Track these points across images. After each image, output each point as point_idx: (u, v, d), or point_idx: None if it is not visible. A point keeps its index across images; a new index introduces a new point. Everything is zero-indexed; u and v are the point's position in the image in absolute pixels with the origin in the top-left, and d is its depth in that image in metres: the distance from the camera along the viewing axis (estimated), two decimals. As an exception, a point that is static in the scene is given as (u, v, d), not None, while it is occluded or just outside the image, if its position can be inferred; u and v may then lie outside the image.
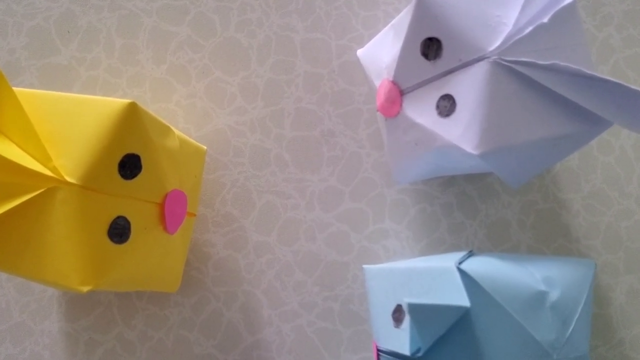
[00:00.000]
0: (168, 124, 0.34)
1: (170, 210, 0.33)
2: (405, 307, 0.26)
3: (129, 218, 0.31)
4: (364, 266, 0.37)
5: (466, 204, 0.42)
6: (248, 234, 0.41)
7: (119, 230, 0.30)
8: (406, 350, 0.30)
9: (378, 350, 0.33)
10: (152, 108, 0.42)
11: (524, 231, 0.42)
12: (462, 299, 0.27)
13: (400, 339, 0.31)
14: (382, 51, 0.36)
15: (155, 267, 0.33)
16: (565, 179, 0.42)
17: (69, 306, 0.40)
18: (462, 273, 0.29)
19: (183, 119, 0.42)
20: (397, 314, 0.32)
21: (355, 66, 0.42)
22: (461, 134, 0.31)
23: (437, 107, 0.32)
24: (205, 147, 0.39)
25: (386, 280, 0.34)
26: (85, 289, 0.29)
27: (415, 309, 0.25)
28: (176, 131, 0.35)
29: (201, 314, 0.40)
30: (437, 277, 0.30)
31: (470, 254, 0.33)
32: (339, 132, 0.42)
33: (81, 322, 0.40)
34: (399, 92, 0.34)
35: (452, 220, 0.41)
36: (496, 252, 0.35)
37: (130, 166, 0.30)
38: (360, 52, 0.39)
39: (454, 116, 0.32)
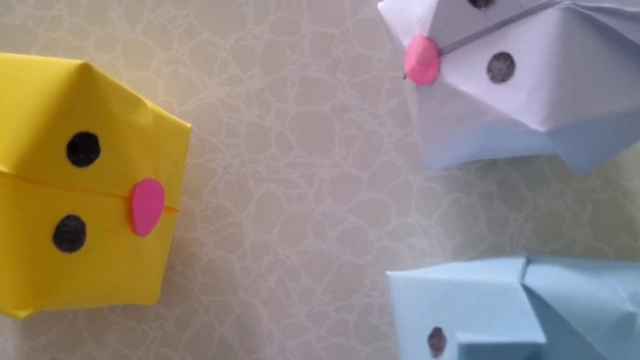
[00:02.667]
0: (138, 95, 0.27)
1: (141, 206, 0.25)
2: (458, 348, 0.18)
3: (82, 218, 0.23)
4: (388, 273, 0.30)
5: (510, 193, 0.34)
6: (244, 231, 0.34)
7: (69, 235, 0.23)
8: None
9: (409, 383, 0.26)
10: (125, 77, 0.34)
11: (580, 226, 0.34)
12: (533, 332, 0.20)
13: (441, 374, 0.24)
14: (412, 1, 0.28)
15: (124, 279, 0.26)
16: (629, 163, 0.35)
17: (27, 321, 0.33)
18: (529, 293, 0.21)
19: (163, 90, 0.34)
20: (436, 340, 0.25)
21: (374, 25, 0.35)
22: (522, 105, 0.24)
23: (489, 69, 0.25)
24: (189, 125, 0.31)
25: (419, 294, 0.26)
26: (22, 314, 0.22)
27: (473, 351, 0.18)
28: (150, 104, 0.28)
29: (187, 328, 0.33)
30: (491, 295, 0.22)
31: (528, 260, 0.25)
32: (354, 106, 0.34)
33: (41, 339, 0.33)
34: (437, 51, 0.26)
35: (493, 213, 0.34)
36: (560, 258, 0.28)
37: (83, 149, 0.23)
38: (382, 5, 0.31)
39: (511, 82, 0.24)
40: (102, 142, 0.23)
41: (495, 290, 0.22)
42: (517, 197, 0.34)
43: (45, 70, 0.22)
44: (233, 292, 0.34)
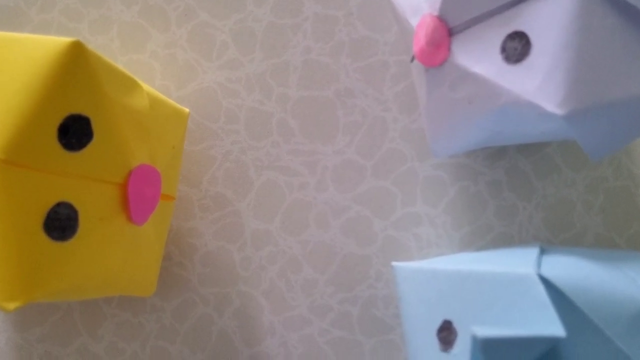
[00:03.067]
0: (134, 77, 0.25)
1: (137, 193, 0.24)
2: (474, 342, 0.17)
3: (75, 205, 0.22)
4: (394, 264, 0.29)
5: (519, 181, 0.33)
6: (244, 221, 0.33)
7: (61, 223, 0.21)
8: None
9: (417, 378, 0.25)
10: (120, 60, 0.33)
11: (591, 215, 0.33)
12: (552, 325, 0.19)
13: (451, 369, 0.23)
14: (420, -21, 0.27)
15: (119, 269, 0.25)
16: (642, 150, 0.33)
17: (18, 312, 0.32)
18: (546, 284, 0.20)
19: (160, 74, 0.33)
20: (445, 334, 0.24)
21: (379, 6, 0.33)
22: (538, 86, 0.23)
23: (503, 49, 0.24)
24: (187, 110, 0.30)
25: (427, 286, 0.25)
26: (11, 306, 0.20)
27: (490, 345, 0.17)
28: (146, 87, 0.26)
29: (185, 321, 0.32)
30: (506, 287, 0.21)
31: (542, 250, 0.24)
32: (358, 91, 0.33)
33: (34, 331, 0.32)
34: (447, 31, 0.25)
35: (502, 202, 0.33)
36: (574, 248, 0.27)
37: (75, 132, 0.22)
38: (388, -15, 0.30)
39: (527, 62, 0.23)
40: (95, 125, 0.22)
41: (510, 281, 0.21)
42: (527, 185, 0.33)
43: (34, 48, 0.21)
44: (233, 284, 0.33)
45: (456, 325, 0.23)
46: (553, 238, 0.33)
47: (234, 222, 0.33)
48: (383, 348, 0.32)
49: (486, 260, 0.25)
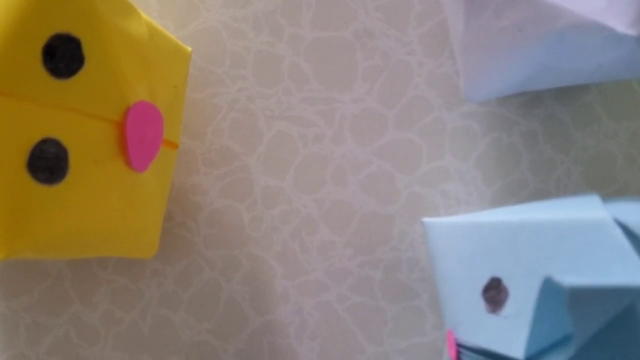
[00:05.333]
0: (131, 2, 0.22)
1: (136, 133, 0.21)
2: (560, 292, 0.14)
3: (64, 143, 0.19)
4: (425, 220, 0.26)
5: (556, 132, 0.30)
6: (253, 177, 0.29)
7: (48, 162, 0.18)
8: (517, 353, 0.19)
9: (457, 344, 0.22)
10: (113, -3, 0.29)
11: (634, 169, 0.30)
12: (636, 273, 0.16)
13: (502, 333, 0.20)
14: None
15: (116, 223, 0.21)
16: (690, 99, 0.30)
17: (3, 278, 0.29)
18: (625, 230, 0.17)
19: (157, 12, 0.30)
20: (494, 293, 0.21)
21: (403, -64, 0.30)
22: (606, 4, 0.19)
23: (564, -38, 0.20)
24: (189, 49, 0.26)
25: (467, 241, 0.22)
26: (-9, 258, 0.17)
27: (579, 296, 0.14)
28: (145, 17, 0.23)
29: (190, 287, 0.29)
30: (575, 235, 0.18)
31: (601, 199, 0.21)
32: (379, 31, 0.30)
33: (20, 300, 0.29)
34: (493, -54, 0.22)
35: (537, 155, 0.30)
36: (631, 196, 0.24)
37: (63, 56, 0.18)
38: None
39: (592, -24, 0.20)
40: (86, 49, 0.19)
41: (580, 228, 0.18)
42: (565, 136, 0.30)
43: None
44: (242, 246, 0.29)
45: (507, 282, 0.20)
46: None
47: (242, 178, 0.30)
48: (407, 315, 0.29)
49: (537, 210, 0.22)
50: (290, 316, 0.29)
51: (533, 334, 0.18)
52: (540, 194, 0.30)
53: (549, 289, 0.15)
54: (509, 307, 0.20)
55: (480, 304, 0.21)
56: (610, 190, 0.30)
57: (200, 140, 0.30)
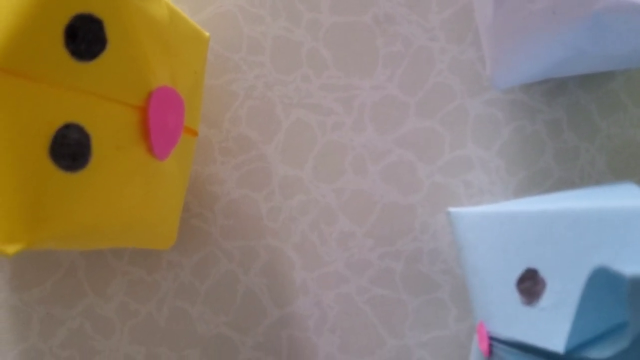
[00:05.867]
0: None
1: (158, 119, 0.20)
2: (621, 282, 0.13)
3: (87, 128, 0.18)
4: (451, 210, 0.25)
5: (581, 120, 0.29)
6: (271, 166, 0.29)
7: (71, 149, 0.17)
8: (557, 346, 0.18)
9: (490, 337, 0.21)
10: (126, -20, 0.29)
11: (660, 159, 0.29)
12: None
13: (539, 325, 0.19)
14: None
15: (137, 212, 0.21)
16: None
17: (15, 270, 0.28)
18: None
19: (173, -4, 0.29)
20: (529, 284, 0.20)
21: None
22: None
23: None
24: (207, 34, 0.26)
25: (499, 231, 0.22)
26: (11, 249, 0.16)
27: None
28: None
29: (207, 279, 0.28)
30: (619, 223, 0.17)
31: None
32: (400, 16, 0.29)
33: (33, 292, 0.28)
34: None
35: (561, 143, 0.29)
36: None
37: (85, 37, 0.18)
38: None
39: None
40: (108, 30, 0.18)
41: (625, 216, 0.17)
42: (589, 124, 0.29)
43: None
44: (259, 237, 0.29)
45: (544, 273, 0.19)
46: (618, 184, 0.29)
47: (260, 167, 0.29)
48: (429, 308, 0.29)
49: (571, 199, 0.21)
50: (309, 309, 0.29)
51: (576, 326, 0.17)
52: (565, 183, 0.29)
53: (600, 279, 0.14)
54: (547, 298, 0.19)
55: (515, 295, 0.20)
56: (636, 180, 0.29)
57: (217, 128, 0.29)
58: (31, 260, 0.28)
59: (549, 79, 0.29)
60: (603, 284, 0.15)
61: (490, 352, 0.21)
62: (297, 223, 0.29)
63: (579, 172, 0.29)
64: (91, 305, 0.28)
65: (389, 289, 0.29)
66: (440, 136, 0.29)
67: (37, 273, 0.28)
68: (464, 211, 0.24)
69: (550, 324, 0.19)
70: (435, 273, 0.29)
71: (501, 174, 0.29)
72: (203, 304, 0.28)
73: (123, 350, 0.28)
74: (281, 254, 0.29)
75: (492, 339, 0.21)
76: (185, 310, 0.28)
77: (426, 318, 0.29)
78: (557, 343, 0.18)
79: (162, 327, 0.28)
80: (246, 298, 0.29)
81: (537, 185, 0.29)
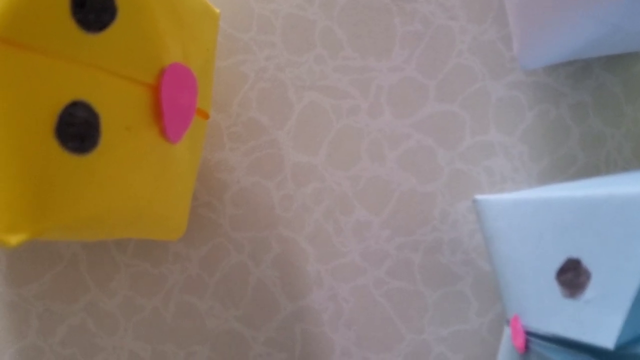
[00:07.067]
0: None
1: (171, 99, 0.18)
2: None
3: (95, 107, 0.16)
4: (478, 198, 0.24)
5: (607, 104, 0.28)
6: (283, 152, 0.27)
7: (78, 129, 0.16)
8: (606, 341, 0.17)
9: (527, 332, 0.20)
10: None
11: (688, 145, 0.28)
12: None
13: (583, 319, 0.18)
14: None
15: (147, 199, 0.19)
16: None
17: (12, 262, 0.26)
18: None
19: (179, -29, 0.27)
20: (571, 275, 0.19)
21: None
22: None
23: None
24: (218, 10, 0.24)
25: (534, 219, 0.20)
26: (14, 239, 0.15)
27: None
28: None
29: (216, 271, 0.27)
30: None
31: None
32: (419, -6, 0.27)
33: (32, 286, 0.26)
34: None
35: (587, 128, 0.28)
36: None
37: (94, 5, 0.16)
38: None
39: None
40: (119, 1, 0.16)
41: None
42: (615, 109, 0.28)
43: None
44: (271, 227, 0.27)
45: (588, 263, 0.18)
46: (644, 171, 0.28)
47: (271, 153, 0.27)
48: (449, 301, 0.27)
49: (609, 185, 0.20)
50: (324, 302, 0.27)
51: (630, 320, 0.16)
52: (590, 170, 0.28)
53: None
54: (592, 290, 0.18)
55: (554, 287, 0.19)
56: (663, 167, 0.28)
57: (226, 112, 0.27)
58: (29, 252, 0.26)
59: (573, 61, 0.28)
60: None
61: (527, 347, 0.20)
62: (310, 212, 0.27)
63: (604, 159, 0.28)
64: (94, 301, 0.26)
65: (407, 281, 0.27)
66: (460, 120, 0.28)
67: (36, 266, 0.26)
68: (493, 198, 0.23)
69: (597, 318, 0.17)
70: (455, 264, 0.27)
71: (524, 160, 0.28)
72: (212, 298, 0.27)
73: (127, 348, 0.27)
74: (294, 245, 0.27)
75: (529, 334, 0.20)
76: (193, 305, 0.27)
77: (446, 312, 0.27)
78: (606, 338, 0.17)
79: (168, 322, 0.27)
80: (257, 291, 0.27)
81: (561, 172, 0.28)
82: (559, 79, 0.28)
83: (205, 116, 0.23)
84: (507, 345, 0.22)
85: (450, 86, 0.28)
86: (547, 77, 0.28)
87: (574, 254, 0.19)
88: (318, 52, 0.27)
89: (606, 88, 0.28)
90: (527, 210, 0.21)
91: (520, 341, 0.20)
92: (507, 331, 0.22)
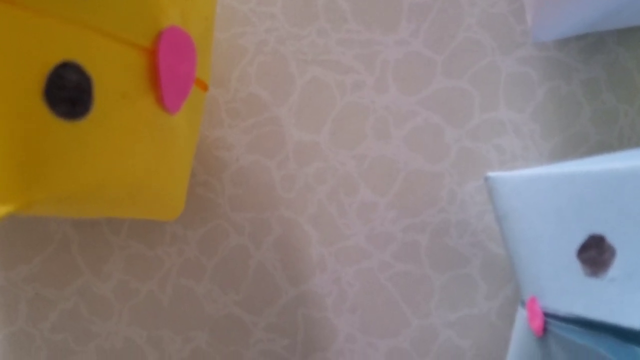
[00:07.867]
0: None
1: (169, 64, 0.17)
2: None
3: (87, 69, 0.15)
4: (491, 175, 0.22)
5: (620, 80, 0.27)
6: (285, 130, 0.26)
7: (69, 92, 0.14)
8: (633, 321, 0.16)
9: (545, 314, 0.19)
10: None
11: (703, 123, 0.27)
12: None
13: (608, 299, 0.17)
14: None
15: (144, 173, 0.18)
16: None
17: (0, 245, 0.25)
18: None
19: (175, -63, 0.26)
20: (594, 253, 0.18)
21: None
22: None
23: None
24: (216, -22, 0.23)
25: (553, 195, 0.19)
26: (2, 209, 0.13)
27: None
28: None
29: (214, 254, 0.26)
30: None
31: None
32: (427, -35, 0.26)
33: (20, 269, 0.25)
34: None
35: (599, 104, 0.27)
36: None
37: (85, -42, 0.14)
38: None
39: None
40: (113, -47, 0.15)
41: None
42: (629, 84, 0.27)
43: None
44: (272, 208, 0.26)
45: (612, 240, 0.17)
46: (658, 149, 0.27)
47: (272, 131, 0.26)
48: (457, 284, 0.26)
49: (630, 159, 0.19)
50: (327, 286, 0.26)
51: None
52: (602, 147, 0.27)
53: None
54: (616, 268, 0.17)
55: (575, 266, 0.18)
56: (678, 145, 0.27)
57: (224, 87, 0.26)
58: (17, 232, 0.25)
59: (586, 35, 0.26)
60: None
61: (545, 329, 0.19)
62: (313, 193, 0.26)
63: (617, 136, 0.27)
64: (86, 284, 0.25)
65: (414, 264, 0.26)
66: (469, 97, 0.27)
67: (24, 247, 0.25)
68: (506, 175, 0.22)
69: (622, 297, 0.17)
70: (463, 246, 0.26)
71: (535, 138, 0.27)
72: (210, 281, 0.26)
73: (122, 334, 0.25)
74: (296, 227, 0.26)
75: (548, 316, 0.19)
76: (190, 289, 0.26)
77: (453, 296, 0.26)
78: (633, 318, 0.16)
79: (165, 307, 0.26)
80: (258, 275, 0.26)
81: (573, 150, 0.27)
82: (570, 54, 0.27)
83: (204, 87, 0.22)
84: (523, 328, 0.21)
85: (458, 61, 0.27)
86: (559, 52, 0.27)
87: (597, 230, 0.18)
88: (321, 25, 0.26)
89: (619, 63, 0.27)
90: (544, 186, 0.20)
91: (538, 323, 0.19)
92: (522, 313, 0.21)
